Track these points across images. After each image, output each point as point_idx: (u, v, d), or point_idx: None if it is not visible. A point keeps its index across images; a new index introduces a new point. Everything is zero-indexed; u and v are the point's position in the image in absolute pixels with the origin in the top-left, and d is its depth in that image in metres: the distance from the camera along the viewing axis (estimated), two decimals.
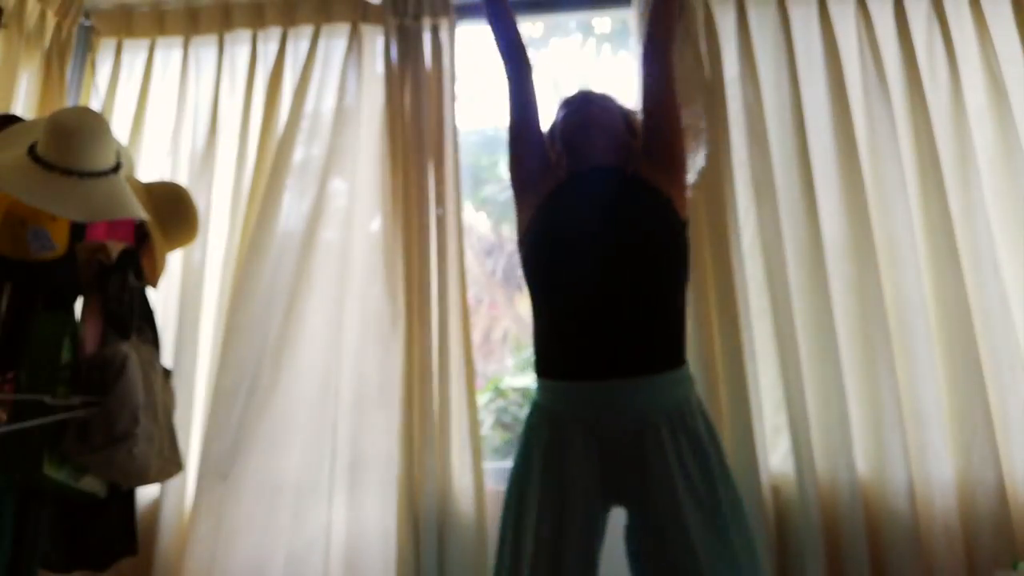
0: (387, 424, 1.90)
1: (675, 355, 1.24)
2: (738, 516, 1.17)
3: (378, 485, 1.87)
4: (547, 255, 1.30)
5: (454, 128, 2.11)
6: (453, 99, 2.13)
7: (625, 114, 1.46)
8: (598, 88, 1.49)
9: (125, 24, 2.31)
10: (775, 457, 1.84)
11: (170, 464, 1.55)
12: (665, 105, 1.37)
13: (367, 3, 2.20)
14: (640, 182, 1.33)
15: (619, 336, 1.20)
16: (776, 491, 1.81)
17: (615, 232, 1.25)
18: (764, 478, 1.77)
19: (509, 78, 1.48)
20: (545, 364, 1.28)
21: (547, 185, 1.38)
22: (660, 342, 1.21)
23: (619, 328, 1.20)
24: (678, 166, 1.37)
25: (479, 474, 1.88)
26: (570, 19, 2.69)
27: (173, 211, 1.64)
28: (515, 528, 1.21)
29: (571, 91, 1.49)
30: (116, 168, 1.42)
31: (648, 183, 1.32)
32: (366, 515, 1.87)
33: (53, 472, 1.28)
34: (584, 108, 1.42)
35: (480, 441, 1.93)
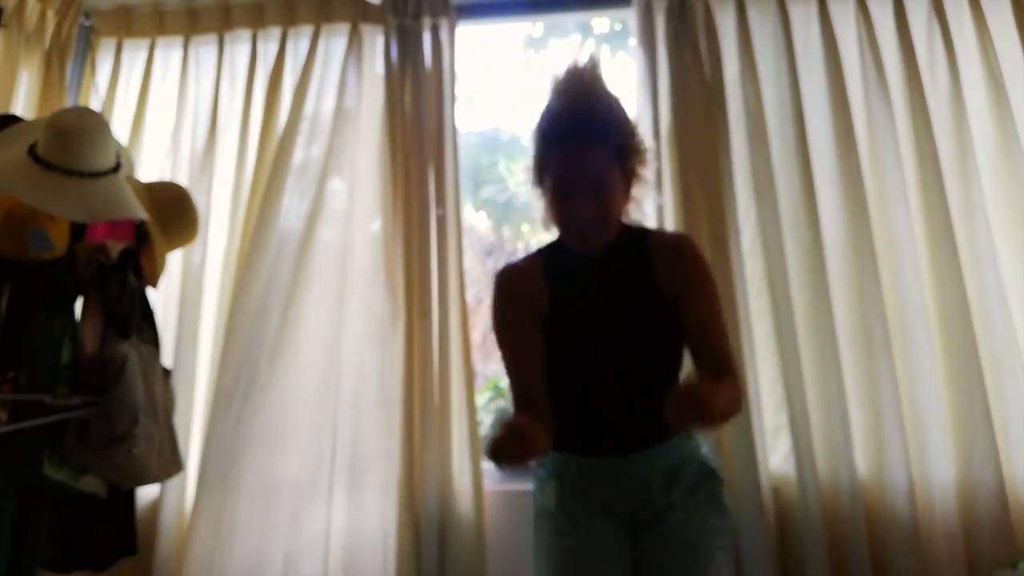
0: (387, 424, 1.90)
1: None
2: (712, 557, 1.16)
3: (377, 485, 1.87)
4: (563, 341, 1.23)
5: (454, 128, 2.11)
6: (453, 99, 2.13)
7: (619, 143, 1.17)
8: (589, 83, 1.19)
9: (125, 24, 2.31)
10: (776, 458, 1.84)
11: (170, 464, 1.55)
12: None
13: (367, 3, 2.20)
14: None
15: (631, 415, 1.20)
16: (777, 492, 1.81)
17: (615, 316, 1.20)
18: (764, 479, 1.77)
19: None
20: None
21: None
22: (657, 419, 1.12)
23: (630, 408, 1.20)
24: None
25: (478, 474, 1.88)
26: (569, 19, 2.69)
27: (173, 211, 1.64)
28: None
29: (561, 99, 1.18)
30: (116, 168, 1.42)
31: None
32: (365, 515, 1.87)
33: (53, 472, 1.28)
34: (586, 209, 1.14)
35: (480, 442, 1.93)
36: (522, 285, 1.25)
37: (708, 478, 1.23)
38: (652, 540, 1.19)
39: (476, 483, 1.87)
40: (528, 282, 1.25)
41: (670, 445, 1.21)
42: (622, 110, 1.20)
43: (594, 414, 1.22)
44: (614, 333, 1.19)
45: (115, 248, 1.48)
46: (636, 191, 1.21)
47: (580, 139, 1.13)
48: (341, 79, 2.15)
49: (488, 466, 2.02)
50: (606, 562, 1.19)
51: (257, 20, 2.25)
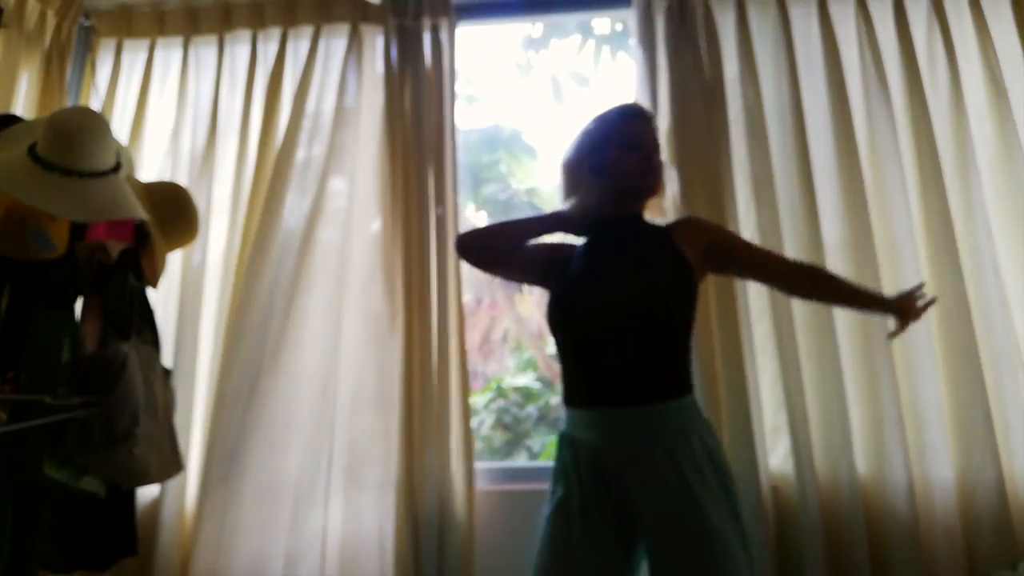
0: (385, 425, 1.90)
1: (677, 386, 1.32)
2: (727, 537, 1.21)
3: (376, 486, 1.87)
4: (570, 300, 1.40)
5: (454, 128, 2.11)
6: (453, 99, 2.13)
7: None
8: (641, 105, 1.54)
9: (125, 24, 2.32)
10: (775, 457, 1.84)
11: (170, 464, 1.55)
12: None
13: (367, 3, 2.20)
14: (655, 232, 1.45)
15: (625, 369, 1.31)
16: (776, 491, 1.81)
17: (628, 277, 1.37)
18: (764, 478, 1.77)
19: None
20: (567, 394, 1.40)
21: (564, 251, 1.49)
22: (663, 375, 1.31)
23: (626, 362, 1.31)
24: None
25: (470, 475, 1.88)
26: (569, 20, 2.70)
27: (173, 211, 1.64)
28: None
29: (632, 117, 1.47)
30: (116, 168, 1.42)
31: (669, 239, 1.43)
32: (363, 516, 1.87)
33: (53, 472, 1.28)
34: (650, 151, 1.43)
35: (472, 443, 1.93)
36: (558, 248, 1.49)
37: (717, 470, 1.28)
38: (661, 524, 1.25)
39: (467, 484, 1.87)
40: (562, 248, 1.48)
41: (674, 407, 1.30)
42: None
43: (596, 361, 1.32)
44: (632, 298, 1.34)
45: (115, 248, 1.48)
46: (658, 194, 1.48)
47: (647, 116, 1.46)
48: (341, 79, 2.15)
49: (486, 466, 2.03)
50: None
51: (257, 20, 2.25)
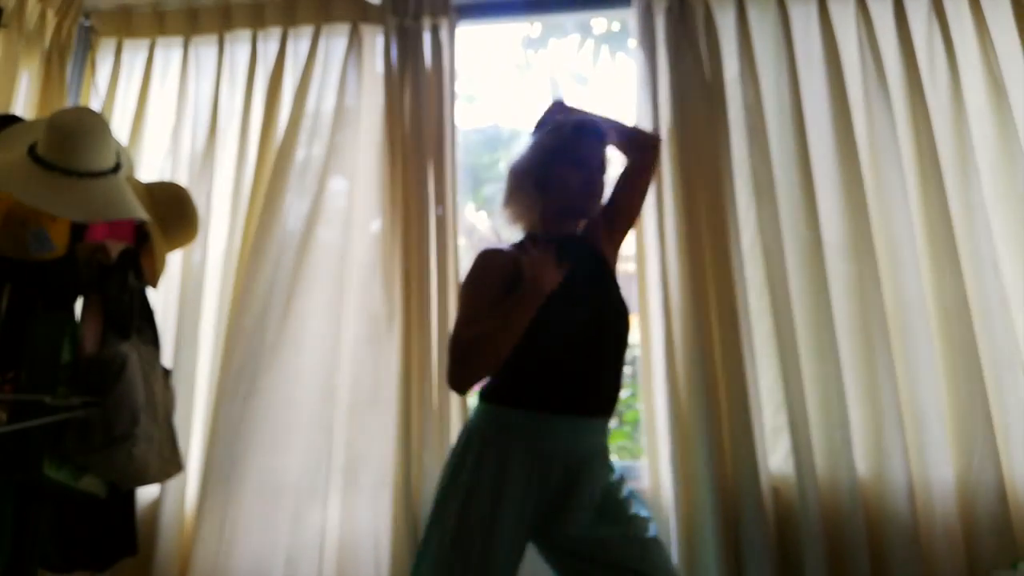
0: (384, 425, 1.90)
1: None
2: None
3: (374, 486, 1.87)
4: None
5: (454, 128, 2.11)
6: (453, 99, 2.13)
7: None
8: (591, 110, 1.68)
9: (125, 24, 2.31)
10: (775, 458, 1.84)
11: (170, 464, 1.55)
12: (634, 214, 1.75)
13: (367, 3, 2.20)
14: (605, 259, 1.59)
15: (605, 383, 1.43)
16: (776, 492, 1.81)
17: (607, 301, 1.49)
18: (764, 479, 1.77)
19: None
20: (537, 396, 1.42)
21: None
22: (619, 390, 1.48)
23: (606, 376, 1.44)
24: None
25: None
26: (569, 19, 2.69)
27: (173, 211, 1.64)
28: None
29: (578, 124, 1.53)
30: (116, 168, 1.42)
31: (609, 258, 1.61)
32: (361, 516, 1.87)
33: (53, 472, 1.28)
34: (598, 173, 1.50)
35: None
36: (509, 269, 1.41)
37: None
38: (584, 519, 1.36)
39: None
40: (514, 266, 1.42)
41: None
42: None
43: (583, 375, 1.40)
44: (608, 311, 1.46)
45: (115, 248, 1.48)
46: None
47: (600, 135, 1.50)
48: (341, 79, 2.15)
49: None
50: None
51: (257, 20, 2.24)
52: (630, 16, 2.15)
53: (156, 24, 2.29)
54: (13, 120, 1.55)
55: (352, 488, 1.89)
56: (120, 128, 2.20)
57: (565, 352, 1.38)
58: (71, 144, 1.33)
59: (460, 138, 2.14)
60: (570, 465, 1.37)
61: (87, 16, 2.31)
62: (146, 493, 1.91)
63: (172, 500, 1.90)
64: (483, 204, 2.89)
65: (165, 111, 2.24)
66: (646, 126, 2.01)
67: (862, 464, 1.78)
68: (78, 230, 1.51)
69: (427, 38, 2.16)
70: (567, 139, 1.47)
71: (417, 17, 2.16)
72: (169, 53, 2.31)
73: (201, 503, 1.87)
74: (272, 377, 1.93)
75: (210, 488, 1.87)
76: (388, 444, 1.88)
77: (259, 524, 1.86)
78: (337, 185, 2.10)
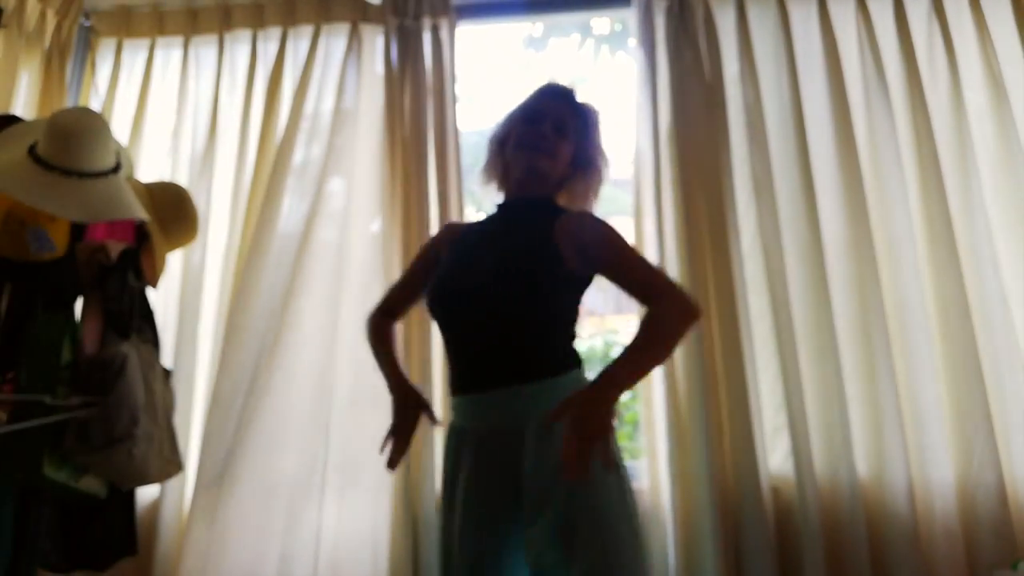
0: (381, 425, 1.89)
1: (547, 366, 1.28)
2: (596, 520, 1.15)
3: (371, 487, 1.87)
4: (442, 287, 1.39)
5: (455, 129, 2.11)
6: (453, 99, 2.13)
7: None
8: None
9: (125, 24, 2.31)
10: (775, 458, 1.84)
11: (170, 464, 1.55)
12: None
13: (367, 3, 2.20)
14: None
15: (488, 353, 1.30)
16: (776, 492, 1.81)
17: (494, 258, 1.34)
18: (764, 479, 1.77)
19: None
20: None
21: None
22: (526, 355, 1.28)
23: (487, 346, 1.30)
24: None
25: None
26: (569, 19, 2.69)
27: (173, 211, 1.64)
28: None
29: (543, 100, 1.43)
30: (116, 168, 1.42)
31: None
32: (359, 516, 1.86)
33: (53, 472, 1.28)
34: (549, 129, 1.38)
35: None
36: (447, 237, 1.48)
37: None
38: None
39: None
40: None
41: (545, 386, 1.26)
42: (599, 129, 1.44)
43: (464, 354, 1.34)
44: (491, 284, 1.29)
45: (115, 248, 1.48)
46: (580, 184, 1.44)
47: (558, 96, 1.41)
48: (341, 79, 2.15)
49: None
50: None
51: (257, 20, 2.25)
52: (630, 16, 2.15)
53: (156, 24, 2.30)
54: (13, 120, 1.55)
55: (351, 488, 1.89)
56: (120, 128, 2.19)
57: (446, 330, 1.37)
58: (71, 144, 1.33)
59: (460, 139, 2.14)
60: (486, 441, 1.28)
61: (87, 16, 2.32)
62: (146, 493, 1.91)
63: (172, 500, 1.90)
64: (483, 204, 2.89)
65: (165, 111, 2.24)
66: (646, 126, 2.01)
67: (862, 464, 1.78)
68: (78, 230, 1.51)
69: (427, 38, 2.16)
70: (529, 99, 1.44)
71: (417, 17, 2.16)
72: (169, 53, 2.31)
73: (195, 502, 1.86)
74: (271, 377, 1.93)
75: (204, 488, 1.86)
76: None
77: (254, 524, 1.85)
78: (336, 185, 2.10)
